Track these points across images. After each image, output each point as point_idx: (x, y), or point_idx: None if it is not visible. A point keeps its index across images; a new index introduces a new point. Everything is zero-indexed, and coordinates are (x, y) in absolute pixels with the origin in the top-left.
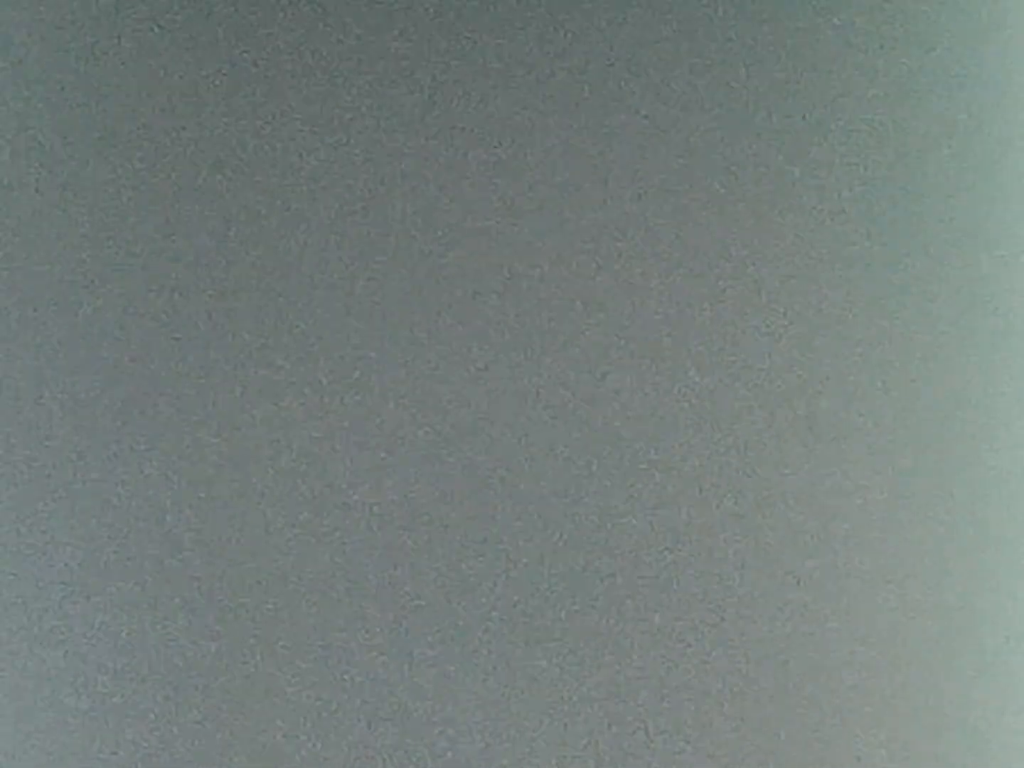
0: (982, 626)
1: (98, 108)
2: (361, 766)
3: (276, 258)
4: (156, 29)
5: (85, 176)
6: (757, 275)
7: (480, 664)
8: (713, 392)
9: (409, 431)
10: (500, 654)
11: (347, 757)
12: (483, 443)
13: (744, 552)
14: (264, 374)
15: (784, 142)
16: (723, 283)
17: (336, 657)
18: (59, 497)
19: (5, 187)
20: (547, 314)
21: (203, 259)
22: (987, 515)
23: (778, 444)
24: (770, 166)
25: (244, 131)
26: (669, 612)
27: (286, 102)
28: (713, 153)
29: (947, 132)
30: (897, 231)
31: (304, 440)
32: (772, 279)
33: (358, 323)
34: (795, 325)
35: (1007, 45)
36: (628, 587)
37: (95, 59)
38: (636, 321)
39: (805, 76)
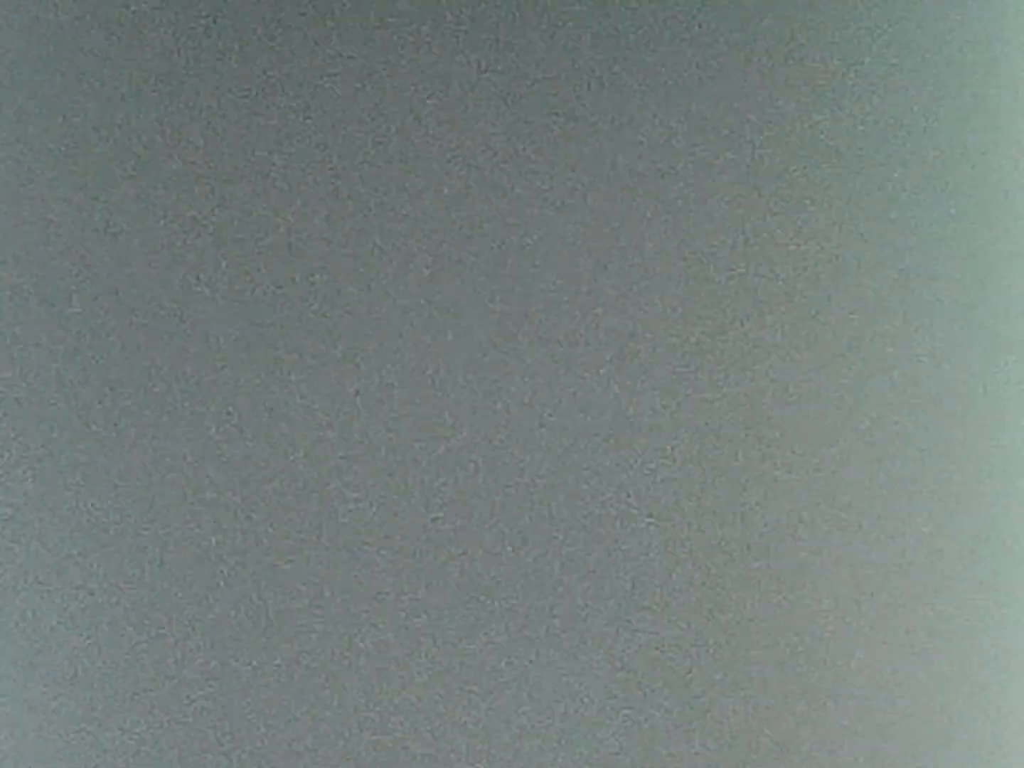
0: (982, 626)
1: (97, 107)
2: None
3: (280, 261)
4: (156, 28)
5: (84, 176)
6: (757, 275)
7: (480, 665)
8: (715, 390)
9: (412, 431)
10: (501, 656)
11: (349, 759)
12: (485, 443)
13: (744, 551)
14: (267, 378)
15: (787, 143)
16: (724, 283)
17: (339, 658)
18: (60, 497)
19: (5, 187)
20: (549, 318)
21: (206, 261)
22: (987, 514)
23: (778, 445)
24: (770, 166)
25: (245, 132)
26: (670, 614)
27: (289, 102)
28: (711, 153)
29: (951, 131)
30: (897, 231)
31: (306, 443)
32: (772, 278)
33: (360, 326)
34: (796, 324)
35: (1009, 44)
36: (628, 589)
37: (95, 59)
38: (639, 324)
39: (807, 74)
